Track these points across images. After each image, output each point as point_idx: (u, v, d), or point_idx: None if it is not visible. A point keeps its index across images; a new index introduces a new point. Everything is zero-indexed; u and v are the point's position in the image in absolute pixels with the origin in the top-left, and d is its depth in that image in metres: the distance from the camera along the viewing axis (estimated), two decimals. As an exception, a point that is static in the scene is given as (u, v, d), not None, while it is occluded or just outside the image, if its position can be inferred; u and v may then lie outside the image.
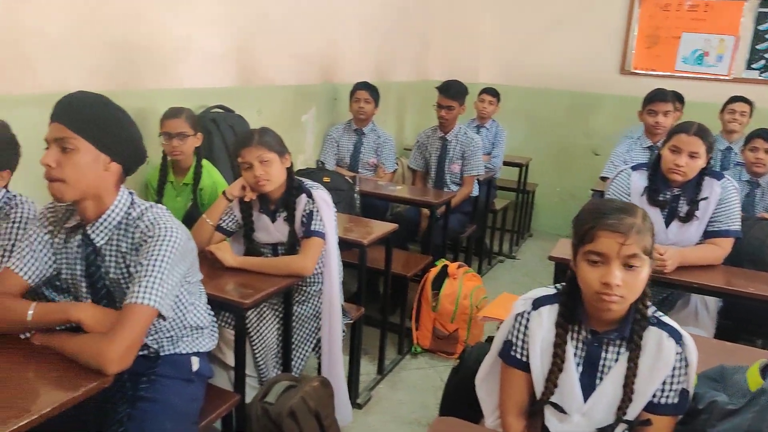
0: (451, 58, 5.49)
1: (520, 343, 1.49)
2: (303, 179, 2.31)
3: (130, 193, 1.62)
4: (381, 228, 2.75)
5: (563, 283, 1.50)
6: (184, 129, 2.49)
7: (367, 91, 3.82)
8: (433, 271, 3.25)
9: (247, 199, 2.25)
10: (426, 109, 5.57)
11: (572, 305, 1.43)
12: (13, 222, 1.74)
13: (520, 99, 5.36)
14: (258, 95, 3.36)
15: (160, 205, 1.64)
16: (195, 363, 1.76)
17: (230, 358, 2.10)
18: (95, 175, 1.51)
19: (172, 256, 1.53)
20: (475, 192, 3.97)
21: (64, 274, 1.64)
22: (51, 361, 1.43)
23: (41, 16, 2.22)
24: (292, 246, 2.25)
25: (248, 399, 2.01)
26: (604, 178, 3.70)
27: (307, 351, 2.37)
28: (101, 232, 1.57)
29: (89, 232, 1.57)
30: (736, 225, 2.49)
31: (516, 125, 5.21)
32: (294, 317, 2.31)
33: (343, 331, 2.40)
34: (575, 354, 1.44)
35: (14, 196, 1.81)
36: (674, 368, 1.35)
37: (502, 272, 4.63)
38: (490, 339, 2.70)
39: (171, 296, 1.53)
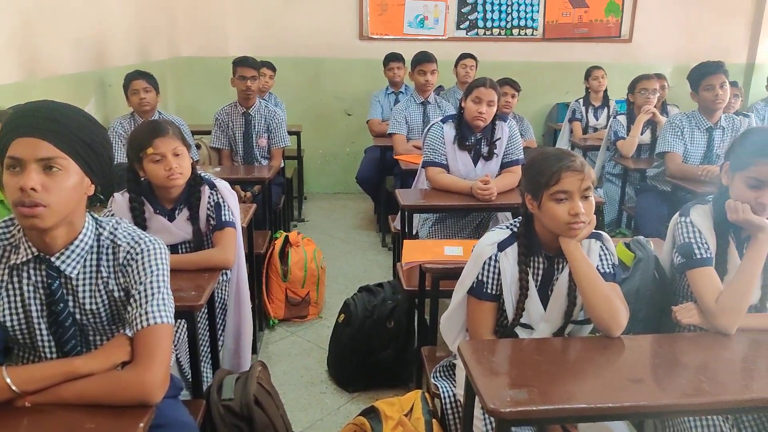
0: (199, 33, 5.31)
1: (491, 281, 1.75)
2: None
3: (89, 212, 1.44)
4: (243, 210, 2.74)
5: (514, 224, 1.81)
6: None
7: (144, 79, 3.46)
8: (278, 243, 3.33)
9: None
10: (183, 87, 5.33)
11: (529, 241, 1.74)
12: None
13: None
14: (44, 89, 2.91)
15: (119, 218, 1.49)
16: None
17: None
18: (78, 199, 1.32)
19: (166, 265, 1.44)
20: (281, 163, 4.08)
21: (9, 321, 1.39)
22: (70, 418, 1.23)
23: None
24: (199, 244, 2.14)
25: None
26: (390, 134, 4.17)
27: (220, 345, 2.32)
28: (72, 260, 1.37)
29: (57, 263, 1.36)
30: (522, 154, 3.18)
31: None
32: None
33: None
34: (533, 278, 1.76)
35: None
36: (600, 257, 1.75)
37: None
38: (363, 288, 2.96)
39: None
